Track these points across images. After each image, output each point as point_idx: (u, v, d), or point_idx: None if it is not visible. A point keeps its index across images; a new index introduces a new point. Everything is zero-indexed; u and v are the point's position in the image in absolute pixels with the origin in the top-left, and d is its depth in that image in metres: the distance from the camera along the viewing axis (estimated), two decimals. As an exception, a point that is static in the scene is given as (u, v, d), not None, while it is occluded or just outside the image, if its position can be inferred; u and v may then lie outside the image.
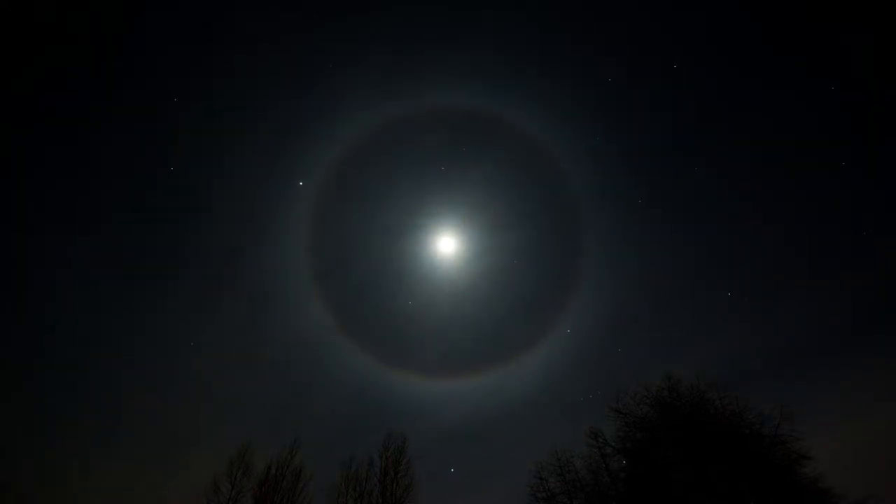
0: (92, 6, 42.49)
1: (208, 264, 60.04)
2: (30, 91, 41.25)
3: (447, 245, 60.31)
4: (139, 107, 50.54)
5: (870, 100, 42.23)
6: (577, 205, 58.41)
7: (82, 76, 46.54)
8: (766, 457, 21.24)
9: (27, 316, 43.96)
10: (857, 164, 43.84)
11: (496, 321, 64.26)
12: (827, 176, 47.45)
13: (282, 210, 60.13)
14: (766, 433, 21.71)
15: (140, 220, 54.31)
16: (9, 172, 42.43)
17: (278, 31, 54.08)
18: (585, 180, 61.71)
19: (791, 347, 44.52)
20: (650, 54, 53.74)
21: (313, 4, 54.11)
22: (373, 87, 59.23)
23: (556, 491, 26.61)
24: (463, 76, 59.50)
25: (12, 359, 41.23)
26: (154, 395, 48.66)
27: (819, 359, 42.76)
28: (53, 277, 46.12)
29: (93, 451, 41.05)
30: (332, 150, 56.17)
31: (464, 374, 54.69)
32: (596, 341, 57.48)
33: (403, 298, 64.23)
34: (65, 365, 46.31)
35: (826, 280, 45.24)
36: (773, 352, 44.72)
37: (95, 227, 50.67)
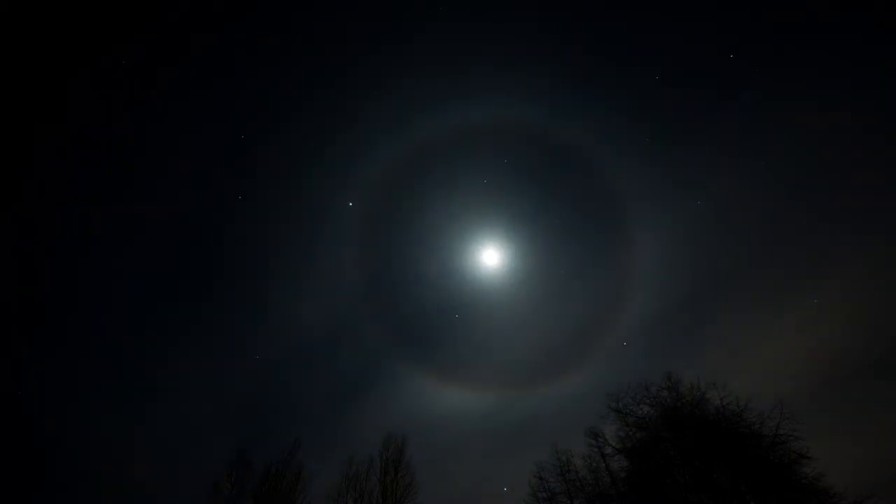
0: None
1: (264, 282, 62.62)
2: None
3: (491, 258, 59.81)
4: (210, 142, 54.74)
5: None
6: (628, 213, 55.20)
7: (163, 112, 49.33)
8: (766, 457, 21.29)
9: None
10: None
11: (543, 334, 62.55)
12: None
13: (333, 231, 61.60)
14: (766, 433, 21.74)
15: (207, 241, 58.27)
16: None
17: (327, 59, 55.61)
18: (636, 187, 58.27)
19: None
20: (702, 46, 50.25)
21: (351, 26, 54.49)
22: (414, 106, 59.43)
23: (557, 490, 26.69)
24: (501, 89, 58.76)
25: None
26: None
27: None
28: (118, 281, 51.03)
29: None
30: (377, 170, 56.97)
31: (511, 387, 53.40)
32: (655, 354, 53.23)
33: (450, 312, 64.39)
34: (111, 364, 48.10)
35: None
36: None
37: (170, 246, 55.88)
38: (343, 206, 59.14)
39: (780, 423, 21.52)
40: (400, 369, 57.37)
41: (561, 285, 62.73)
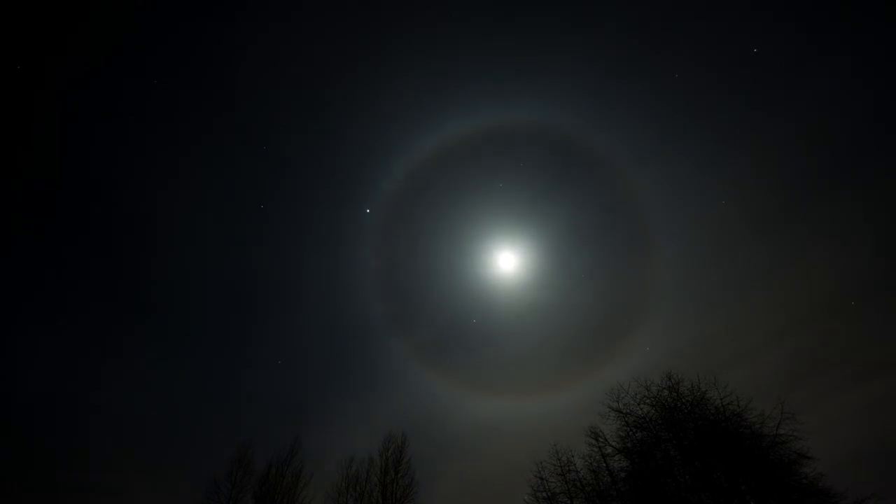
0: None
1: (285, 284, 64.77)
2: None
3: (508, 262, 59.35)
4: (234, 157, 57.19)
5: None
6: (648, 218, 54.81)
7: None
8: (766, 457, 21.28)
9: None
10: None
11: (562, 337, 62.35)
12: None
13: (351, 235, 61.71)
14: (766, 433, 21.73)
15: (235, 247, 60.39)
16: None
17: (343, 68, 55.82)
18: (655, 190, 58.10)
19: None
20: (723, 45, 49.78)
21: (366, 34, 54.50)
22: (430, 108, 59.42)
23: (557, 490, 26.63)
24: (518, 92, 58.46)
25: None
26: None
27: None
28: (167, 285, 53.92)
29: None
30: (393, 176, 57.12)
31: (531, 394, 52.75)
32: (677, 357, 52.77)
33: (468, 317, 64.67)
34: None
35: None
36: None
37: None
38: (360, 211, 59.47)
39: (781, 423, 21.54)
40: (413, 372, 57.34)
41: (579, 289, 62.45)
